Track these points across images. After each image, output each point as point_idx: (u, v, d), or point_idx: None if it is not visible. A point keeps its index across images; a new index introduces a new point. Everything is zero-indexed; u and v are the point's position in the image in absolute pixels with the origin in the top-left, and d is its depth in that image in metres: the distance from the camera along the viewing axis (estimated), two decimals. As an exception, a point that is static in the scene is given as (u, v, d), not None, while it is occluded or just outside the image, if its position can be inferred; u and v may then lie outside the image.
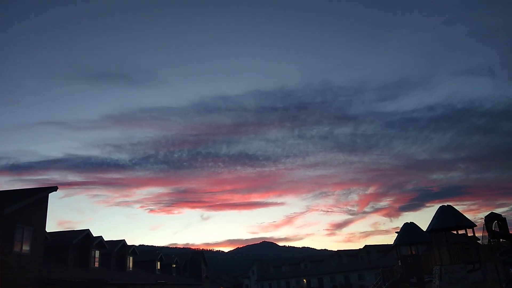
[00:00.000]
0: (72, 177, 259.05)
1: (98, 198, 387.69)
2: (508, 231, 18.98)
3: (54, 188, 19.15)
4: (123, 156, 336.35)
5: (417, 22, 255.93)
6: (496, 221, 19.30)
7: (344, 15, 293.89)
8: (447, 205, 21.90)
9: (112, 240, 33.44)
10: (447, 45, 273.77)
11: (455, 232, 21.81)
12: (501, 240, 19.35)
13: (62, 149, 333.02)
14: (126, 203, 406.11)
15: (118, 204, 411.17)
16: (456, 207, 22.18)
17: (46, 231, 20.27)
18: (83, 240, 27.64)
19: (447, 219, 20.75)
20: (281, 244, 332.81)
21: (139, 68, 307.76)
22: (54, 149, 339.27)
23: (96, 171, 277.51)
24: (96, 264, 28.76)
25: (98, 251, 29.29)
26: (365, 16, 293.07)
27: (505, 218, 19.34)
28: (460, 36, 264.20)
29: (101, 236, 29.41)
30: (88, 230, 28.08)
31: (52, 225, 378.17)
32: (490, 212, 19.75)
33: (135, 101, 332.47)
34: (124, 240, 34.14)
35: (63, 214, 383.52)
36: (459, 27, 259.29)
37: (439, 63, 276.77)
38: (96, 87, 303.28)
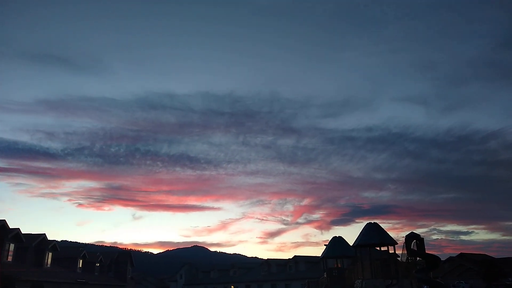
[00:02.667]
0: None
1: (21, 187, 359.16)
2: (425, 251, 20.37)
3: (-31, 172, 17.45)
4: (55, 145, 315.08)
5: (365, 47, 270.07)
6: (415, 241, 20.64)
7: (299, 28, 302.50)
8: (374, 222, 23.11)
9: (31, 234, 31.24)
10: (390, 72, 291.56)
11: (378, 248, 23.04)
12: (418, 258, 20.75)
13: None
14: (52, 195, 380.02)
15: (43, 195, 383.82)
16: (382, 225, 23.50)
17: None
18: (-3, 231, 25.50)
19: (372, 235, 21.88)
20: (212, 249, 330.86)
21: (83, 54, 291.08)
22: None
23: (22, 158, 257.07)
24: (10, 258, 26.65)
25: (13, 244, 27.21)
26: (319, 34, 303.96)
27: (423, 238, 20.76)
28: (402, 65, 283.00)
29: (18, 228, 27.36)
30: (4, 220, 25.96)
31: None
32: (410, 231, 21.14)
33: (75, 88, 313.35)
34: (44, 234, 32.03)
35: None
36: (402, 56, 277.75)
37: (381, 88, 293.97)
38: (33, 68, 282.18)
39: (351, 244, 25.06)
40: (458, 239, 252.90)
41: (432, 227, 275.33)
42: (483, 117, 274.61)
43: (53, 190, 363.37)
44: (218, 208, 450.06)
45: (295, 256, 70.03)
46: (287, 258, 72.74)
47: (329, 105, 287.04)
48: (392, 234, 24.77)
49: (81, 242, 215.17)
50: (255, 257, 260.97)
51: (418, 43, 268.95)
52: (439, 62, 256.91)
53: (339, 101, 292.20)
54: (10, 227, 26.62)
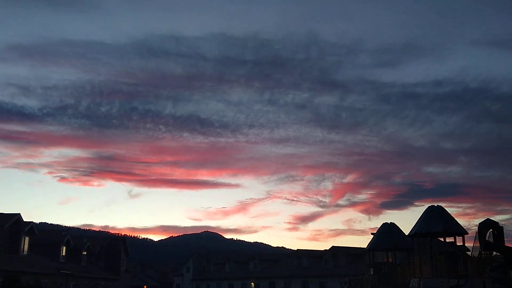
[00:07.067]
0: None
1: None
2: (504, 243, 20.18)
3: None
4: (31, 103, 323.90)
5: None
6: (491, 230, 20.44)
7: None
8: (438, 205, 22.97)
9: (3, 214, 32.60)
10: (469, 8, 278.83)
11: (442, 239, 22.99)
12: (494, 253, 20.62)
13: None
14: (29, 166, 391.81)
15: (18, 166, 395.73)
16: (449, 209, 23.36)
17: None
18: (-39, 209, 26.64)
19: (435, 222, 21.80)
20: (228, 236, 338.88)
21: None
22: None
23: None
24: (-22, 243, 27.94)
25: (-18, 226, 28.41)
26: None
27: (502, 227, 20.51)
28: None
29: (-13, 206, 28.46)
30: (-31, 197, 27.07)
31: None
32: (486, 218, 20.89)
33: (55, 29, 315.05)
34: (19, 214, 33.34)
35: None
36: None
37: (456, 28, 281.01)
38: (4, 5, 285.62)
39: (406, 233, 25.09)
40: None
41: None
42: None
43: (30, 160, 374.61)
44: (236, 185, 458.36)
45: (333, 246, 70.99)
46: (323, 250, 73.82)
47: (384, 51, 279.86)
48: (461, 221, 24.58)
49: (64, 225, 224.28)
50: (282, 247, 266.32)
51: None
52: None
53: (399, 46, 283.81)
54: (-23, 205, 27.84)
